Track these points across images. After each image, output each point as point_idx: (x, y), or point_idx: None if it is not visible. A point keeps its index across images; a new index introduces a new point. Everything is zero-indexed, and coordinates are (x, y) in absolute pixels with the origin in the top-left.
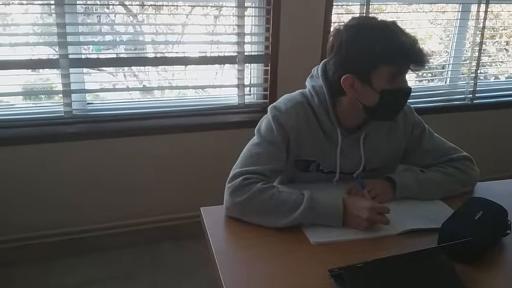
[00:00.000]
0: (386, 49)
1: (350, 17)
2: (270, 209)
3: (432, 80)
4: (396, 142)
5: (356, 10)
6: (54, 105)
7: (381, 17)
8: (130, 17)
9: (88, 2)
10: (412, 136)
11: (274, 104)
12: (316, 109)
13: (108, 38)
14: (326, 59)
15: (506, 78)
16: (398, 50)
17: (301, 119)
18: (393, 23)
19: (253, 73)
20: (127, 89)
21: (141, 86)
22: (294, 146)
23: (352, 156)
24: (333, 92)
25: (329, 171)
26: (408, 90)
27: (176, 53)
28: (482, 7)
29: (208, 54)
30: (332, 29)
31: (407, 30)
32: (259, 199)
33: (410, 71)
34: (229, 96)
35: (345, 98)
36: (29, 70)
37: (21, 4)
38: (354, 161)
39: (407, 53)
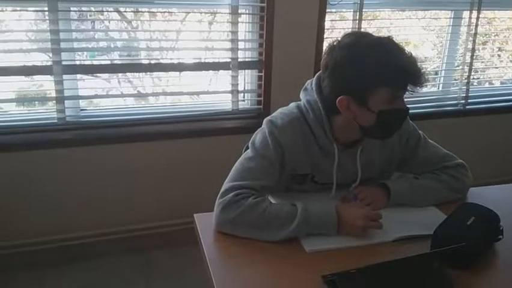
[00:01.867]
0: (383, 71)
1: (343, 23)
2: (263, 224)
3: (425, 86)
4: (391, 152)
5: (349, 16)
6: (47, 112)
7: (374, 23)
8: (124, 23)
9: (82, 8)
10: (407, 146)
11: (270, 118)
12: (312, 125)
13: (102, 44)
14: (319, 73)
15: (499, 84)
16: (396, 71)
17: (298, 135)
18: (390, 40)
19: (247, 79)
20: (121, 95)
21: (135, 92)
22: (289, 162)
23: (348, 169)
24: (329, 109)
25: (323, 182)
26: (406, 110)
27: (171, 59)
28: (474, 13)
29: (203, 61)
30: (325, 44)
31: (401, 37)
32: (250, 215)
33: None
34: (223, 102)
35: (341, 116)
36: (23, 76)
37: (15, 10)
38: (350, 173)
39: (405, 74)
